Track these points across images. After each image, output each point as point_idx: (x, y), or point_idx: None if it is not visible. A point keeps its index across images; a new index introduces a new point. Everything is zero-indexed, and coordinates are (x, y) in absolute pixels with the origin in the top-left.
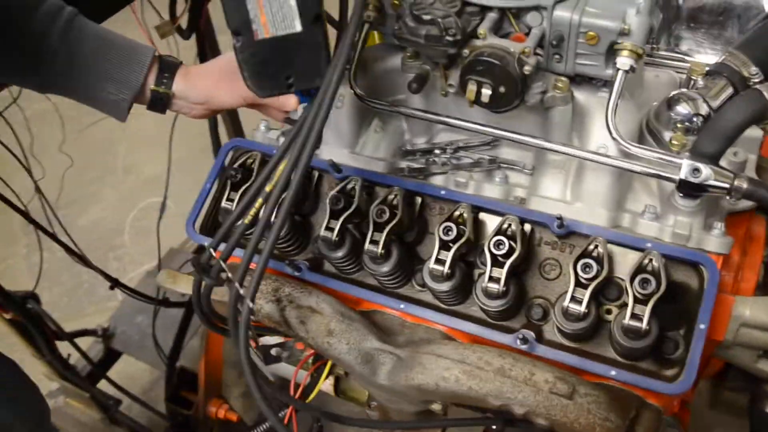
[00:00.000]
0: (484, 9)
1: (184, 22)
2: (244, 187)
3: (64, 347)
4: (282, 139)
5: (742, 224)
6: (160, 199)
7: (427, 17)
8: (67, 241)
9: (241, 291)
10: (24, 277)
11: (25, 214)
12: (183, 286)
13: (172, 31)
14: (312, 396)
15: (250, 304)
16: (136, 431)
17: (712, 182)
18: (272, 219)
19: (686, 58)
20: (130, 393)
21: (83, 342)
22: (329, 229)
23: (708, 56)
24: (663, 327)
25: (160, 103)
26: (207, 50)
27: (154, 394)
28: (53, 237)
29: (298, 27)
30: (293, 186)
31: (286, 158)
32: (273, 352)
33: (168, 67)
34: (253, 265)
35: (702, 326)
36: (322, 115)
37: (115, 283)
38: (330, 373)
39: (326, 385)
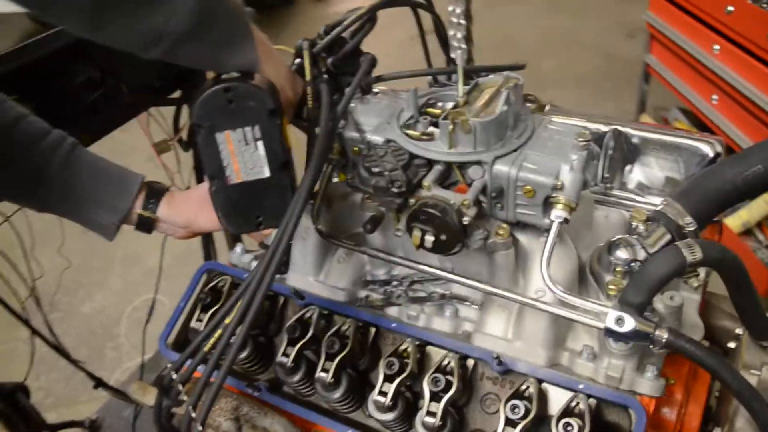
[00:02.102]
0: (431, 162)
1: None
2: (212, 310)
3: None
4: (254, 263)
5: (686, 362)
6: (158, 296)
7: (376, 169)
8: (65, 327)
9: (193, 415)
10: (22, 361)
11: (15, 314)
12: (151, 398)
13: (170, 149)
14: None
15: (199, 428)
16: None
17: (634, 332)
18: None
19: (636, 198)
20: None
21: None
22: (285, 355)
23: (657, 197)
24: None
25: (146, 225)
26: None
27: None
28: (41, 336)
29: (266, 173)
30: (246, 324)
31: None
32: None
33: (154, 193)
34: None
35: None
36: (274, 264)
37: (98, 383)
38: None
39: None
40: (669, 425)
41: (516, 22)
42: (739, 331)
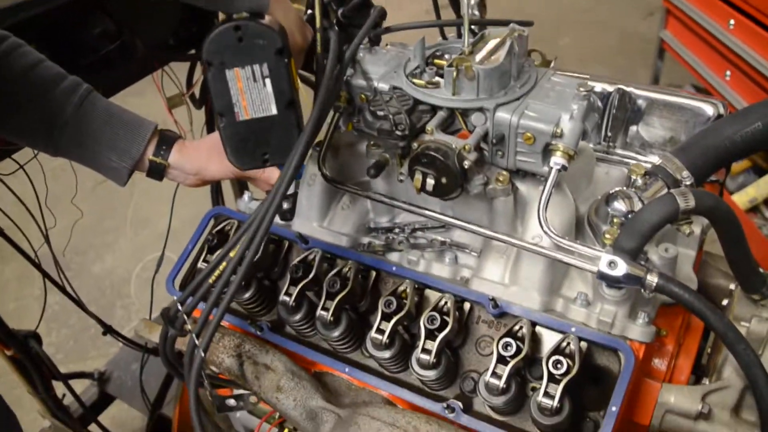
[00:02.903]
0: (435, 108)
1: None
2: (218, 251)
3: (63, 387)
4: None
5: (678, 315)
6: (167, 253)
7: (381, 113)
8: (75, 286)
9: (197, 342)
10: (34, 317)
11: (29, 258)
12: (156, 335)
13: (182, 103)
14: None
15: (202, 354)
16: None
17: (626, 276)
18: (232, 280)
19: (638, 157)
20: None
21: (82, 384)
22: (288, 294)
23: (658, 157)
24: (586, 407)
25: (157, 171)
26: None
27: None
28: (52, 281)
29: (273, 110)
30: (249, 256)
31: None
32: (228, 402)
33: (166, 141)
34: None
35: (613, 408)
36: (281, 192)
37: (107, 329)
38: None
39: None
40: (659, 375)
41: None
42: (732, 287)
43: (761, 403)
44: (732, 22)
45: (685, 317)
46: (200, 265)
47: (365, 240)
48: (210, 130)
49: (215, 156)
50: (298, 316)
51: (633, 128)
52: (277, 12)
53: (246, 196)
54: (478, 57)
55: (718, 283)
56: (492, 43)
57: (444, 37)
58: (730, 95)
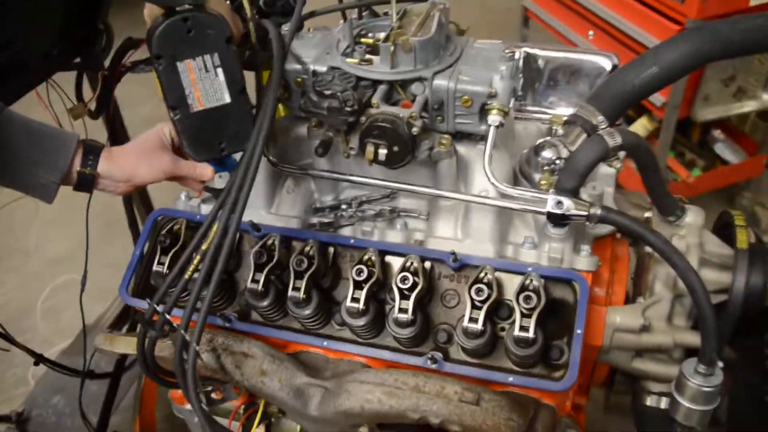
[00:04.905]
0: (376, 82)
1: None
2: (173, 251)
3: None
4: (204, 206)
5: (607, 247)
6: (71, 276)
7: (328, 92)
8: None
9: (187, 337)
10: None
11: None
12: (121, 347)
13: (85, 113)
14: None
15: (197, 347)
16: None
17: (573, 212)
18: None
19: (548, 111)
20: None
21: None
22: (255, 281)
23: (565, 108)
24: (549, 337)
25: (86, 183)
26: (117, 130)
27: None
28: None
29: (227, 99)
30: (228, 239)
31: (218, 219)
32: (213, 395)
33: (92, 150)
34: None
35: (578, 331)
36: (250, 178)
37: (39, 359)
38: (261, 421)
39: None
40: (601, 301)
41: None
42: (647, 215)
43: (698, 302)
44: None
45: (612, 248)
46: (155, 268)
47: (314, 220)
48: (113, 141)
49: (145, 160)
50: (266, 301)
51: (538, 85)
52: (213, 1)
53: (182, 195)
54: (410, 32)
55: (633, 215)
56: (417, 18)
57: (360, 15)
58: None
